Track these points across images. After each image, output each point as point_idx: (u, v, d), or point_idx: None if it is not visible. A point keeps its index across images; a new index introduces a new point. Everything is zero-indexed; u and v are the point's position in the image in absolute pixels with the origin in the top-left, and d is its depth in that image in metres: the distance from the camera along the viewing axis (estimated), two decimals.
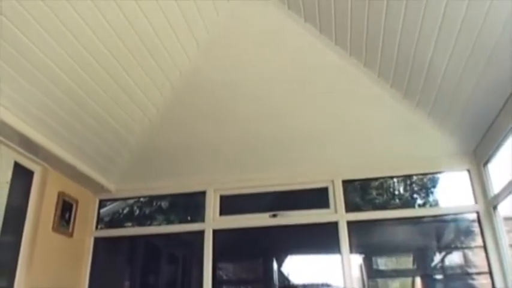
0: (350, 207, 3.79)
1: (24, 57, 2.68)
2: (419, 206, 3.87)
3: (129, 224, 4.36)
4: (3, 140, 3.11)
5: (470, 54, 2.72)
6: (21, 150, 3.29)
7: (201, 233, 3.92)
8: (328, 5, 3.01)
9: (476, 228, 3.50)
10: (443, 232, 3.71)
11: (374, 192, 3.98)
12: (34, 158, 3.42)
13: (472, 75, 2.89)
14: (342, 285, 3.56)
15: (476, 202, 3.52)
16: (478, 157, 3.55)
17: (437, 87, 3.20)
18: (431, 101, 3.39)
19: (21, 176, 3.37)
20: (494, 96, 2.90)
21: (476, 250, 3.53)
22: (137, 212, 4.39)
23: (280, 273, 4.16)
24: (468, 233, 3.61)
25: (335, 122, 3.69)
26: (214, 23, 3.30)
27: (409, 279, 3.84)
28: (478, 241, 3.45)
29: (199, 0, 3.06)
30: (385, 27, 2.95)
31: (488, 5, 2.34)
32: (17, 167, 3.29)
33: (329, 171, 3.85)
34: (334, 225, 3.72)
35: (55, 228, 3.56)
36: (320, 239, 3.90)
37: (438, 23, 2.66)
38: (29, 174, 3.47)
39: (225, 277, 4.36)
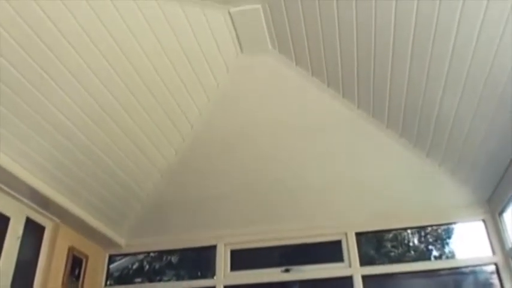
0: (364, 260, 3.78)
1: (36, 111, 2.83)
2: (435, 258, 3.83)
3: (139, 279, 4.35)
4: (16, 195, 3.21)
5: (479, 101, 2.82)
6: (33, 205, 3.38)
7: None
8: (335, 59, 3.16)
9: (495, 280, 3.45)
10: (461, 285, 3.65)
11: (389, 245, 3.96)
12: (45, 212, 3.50)
13: (482, 123, 2.97)
14: None
15: (494, 253, 3.49)
16: (493, 206, 3.56)
17: (448, 135, 3.27)
18: (442, 150, 3.46)
19: (33, 231, 3.45)
20: (506, 143, 2.96)
21: None
22: (147, 267, 4.39)
23: None
24: (487, 285, 3.54)
25: (346, 173, 3.76)
26: (224, 77, 3.46)
27: None
28: None
29: (209, 56, 3.24)
30: (392, 78, 3.07)
31: (495, 50, 2.46)
32: (29, 222, 3.38)
33: (342, 223, 3.87)
34: (348, 280, 3.69)
35: (64, 285, 3.59)
36: None
37: (445, 71, 2.78)
38: (40, 229, 3.55)
39: None
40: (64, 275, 3.59)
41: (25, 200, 3.30)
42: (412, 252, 3.92)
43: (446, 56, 2.68)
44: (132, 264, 4.42)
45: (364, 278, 3.67)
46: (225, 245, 4.07)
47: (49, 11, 2.46)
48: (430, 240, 3.92)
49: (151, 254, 4.42)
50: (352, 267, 3.73)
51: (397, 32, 2.72)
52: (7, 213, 3.19)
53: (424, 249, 3.89)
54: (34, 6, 2.40)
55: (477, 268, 3.61)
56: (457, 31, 2.49)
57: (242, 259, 4.07)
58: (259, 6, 2.87)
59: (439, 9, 2.44)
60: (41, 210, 3.47)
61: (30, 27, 2.47)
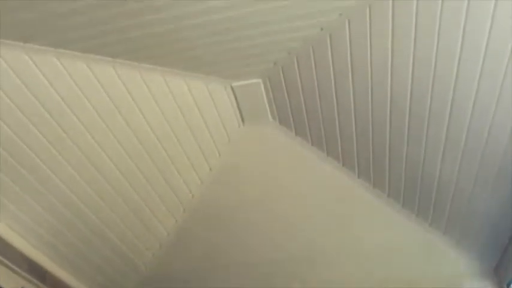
0: None
1: (39, 182, 2.93)
2: None
3: None
4: (12, 266, 3.21)
5: (479, 168, 2.93)
6: (29, 277, 3.36)
7: None
8: (334, 129, 3.30)
9: None
10: None
11: None
12: (41, 284, 3.47)
13: (483, 191, 3.06)
14: None
15: None
16: (500, 276, 3.54)
17: (450, 204, 3.34)
18: (445, 218, 3.51)
19: None
20: (509, 211, 3.01)
21: None
22: None
23: None
24: None
25: (348, 244, 3.79)
26: (226, 147, 3.58)
27: None
28: None
29: (211, 127, 3.38)
30: (391, 147, 3.20)
31: (491, 118, 2.61)
32: None
33: None
34: None
35: None
36: None
37: (442, 140, 2.90)
38: None
39: None
40: None
41: (22, 272, 3.29)
42: None
43: (443, 125, 2.83)
44: None
45: None
46: None
47: (60, 90, 2.67)
48: None
49: None
50: None
51: (393, 103, 2.89)
52: (2, 285, 3.17)
53: None
54: (46, 85, 2.60)
55: None
56: (452, 100, 2.65)
57: None
58: (259, 80, 3.05)
59: (434, 82, 2.62)
60: (36, 282, 3.44)
61: (40, 103, 2.64)
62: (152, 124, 3.11)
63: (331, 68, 2.83)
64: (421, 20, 2.36)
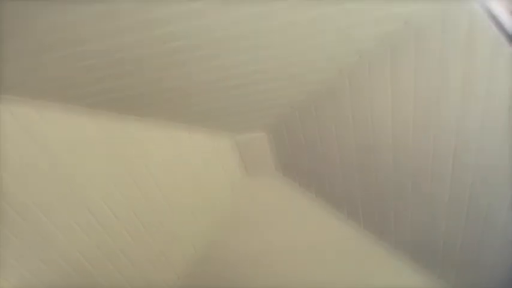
0: None
1: (41, 236, 2.97)
2: None
3: None
4: None
5: (484, 229, 3.01)
6: None
7: None
8: (337, 181, 3.38)
9: None
10: None
11: None
12: None
13: (490, 249, 3.11)
14: None
15: None
16: None
17: (458, 257, 3.36)
18: (453, 272, 3.50)
19: None
20: None
21: None
22: None
23: None
24: None
25: None
26: (229, 199, 3.64)
27: None
28: None
29: (215, 179, 3.46)
30: (395, 198, 3.26)
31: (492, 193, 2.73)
32: None
33: None
34: None
35: None
36: None
37: (446, 200, 3.01)
38: None
39: None
40: None
41: None
42: None
43: (447, 181, 2.93)
44: None
45: None
46: None
47: (68, 144, 2.77)
48: None
49: None
50: None
51: (396, 154, 2.98)
52: None
53: None
54: (55, 140, 2.71)
55: None
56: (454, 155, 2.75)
57: None
58: (263, 134, 3.17)
59: (436, 134, 2.73)
60: None
61: (47, 158, 2.74)
62: (157, 176, 3.19)
63: (333, 121, 2.95)
64: (420, 76, 2.51)
